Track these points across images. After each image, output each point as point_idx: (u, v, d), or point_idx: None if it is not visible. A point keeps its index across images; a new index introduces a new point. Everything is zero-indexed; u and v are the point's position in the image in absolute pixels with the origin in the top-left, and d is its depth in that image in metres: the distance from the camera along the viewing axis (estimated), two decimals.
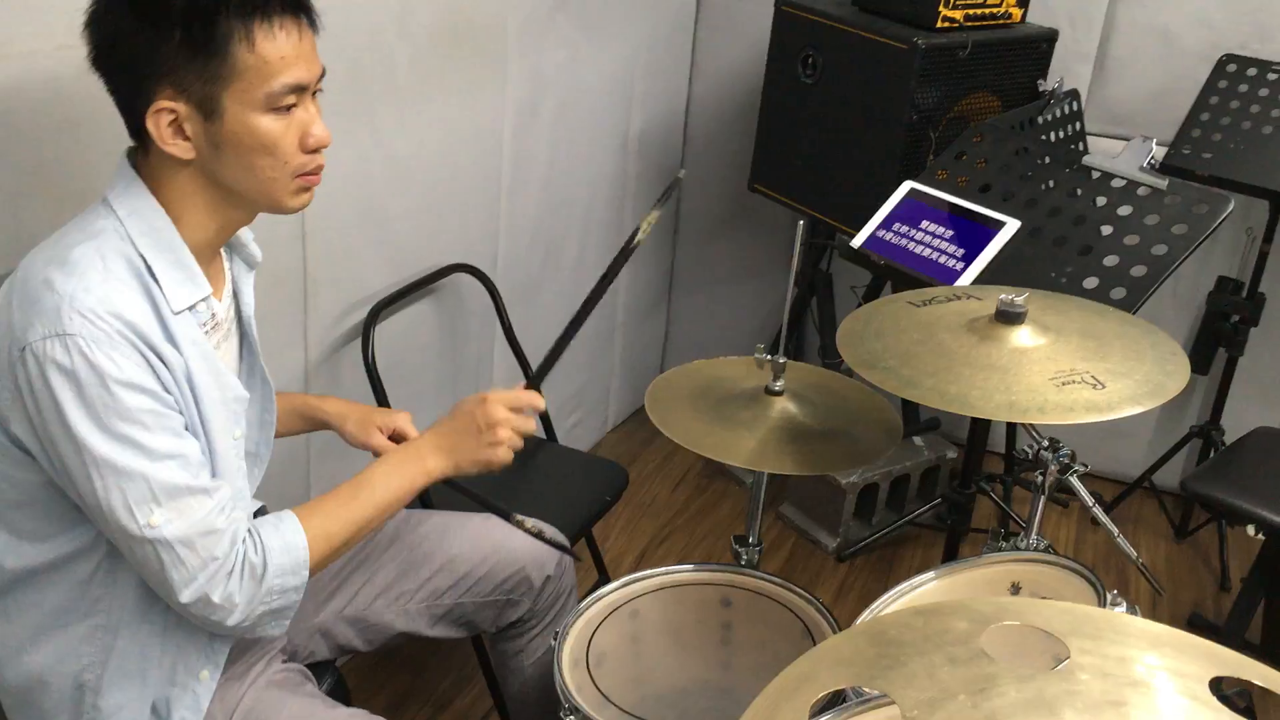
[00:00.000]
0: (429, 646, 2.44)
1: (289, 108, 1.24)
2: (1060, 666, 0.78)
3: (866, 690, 1.03)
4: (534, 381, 1.57)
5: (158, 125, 1.20)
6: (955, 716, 0.74)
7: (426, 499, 2.06)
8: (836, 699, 1.18)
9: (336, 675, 1.69)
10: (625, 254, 1.53)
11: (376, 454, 1.65)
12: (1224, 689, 0.78)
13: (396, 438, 1.69)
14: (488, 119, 2.43)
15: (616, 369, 3.38)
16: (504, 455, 1.50)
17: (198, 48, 1.17)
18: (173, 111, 1.19)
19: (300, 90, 1.24)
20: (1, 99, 1.39)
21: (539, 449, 2.42)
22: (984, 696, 0.76)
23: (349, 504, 1.40)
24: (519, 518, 1.74)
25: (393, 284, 2.24)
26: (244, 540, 1.27)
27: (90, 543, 1.27)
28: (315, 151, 1.28)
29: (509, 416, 1.50)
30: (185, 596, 1.23)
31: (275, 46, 1.20)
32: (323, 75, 1.28)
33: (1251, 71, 2.68)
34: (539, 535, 1.74)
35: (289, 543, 1.31)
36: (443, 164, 2.31)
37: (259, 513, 1.62)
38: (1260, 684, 0.78)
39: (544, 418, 2.46)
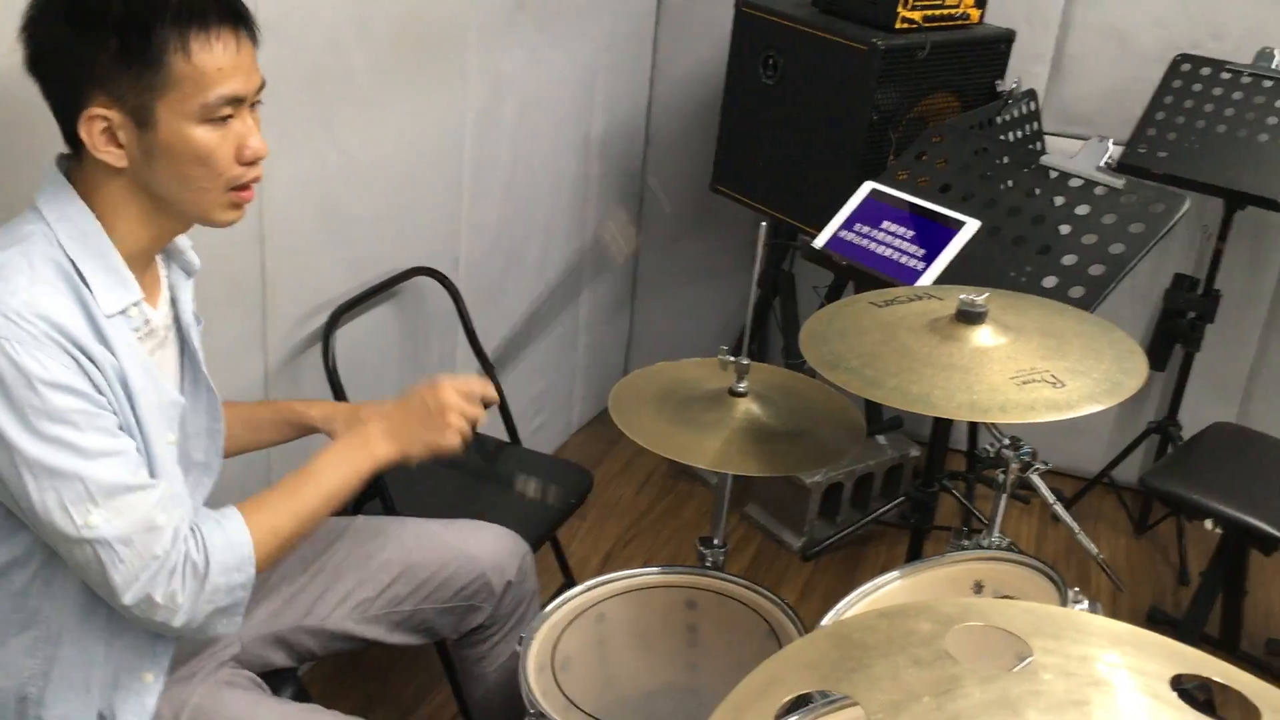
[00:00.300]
0: (393, 653, 2.42)
1: (225, 119, 1.23)
2: (1023, 666, 0.79)
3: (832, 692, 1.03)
4: (485, 366, 1.55)
5: (90, 132, 1.19)
6: (920, 718, 0.74)
7: (389, 504, 2.05)
8: (802, 701, 1.18)
9: (298, 684, 1.67)
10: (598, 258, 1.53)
11: None
12: (1184, 683, 0.78)
13: None
14: (448, 121, 2.41)
15: (580, 371, 3.37)
16: (452, 440, 1.50)
17: (133, 56, 1.15)
18: (106, 119, 1.18)
19: (237, 102, 1.23)
20: None
21: (502, 451, 2.41)
22: (948, 698, 0.76)
23: (294, 496, 1.39)
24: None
25: (353, 288, 2.22)
26: (185, 538, 1.26)
27: (25, 552, 1.25)
28: (252, 164, 1.27)
29: (458, 402, 1.50)
30: (128, 598, 1.21)
31: (212, 57, 1.18)
32: (261, 87, 1.27)
33: (1205, 71, 2.71)
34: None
35: (232, 540, 1.30)
36: (403, 167, 2.29)
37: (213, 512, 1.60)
38: (1220, 680, 0.79)
39: (507, 419, 2.45)
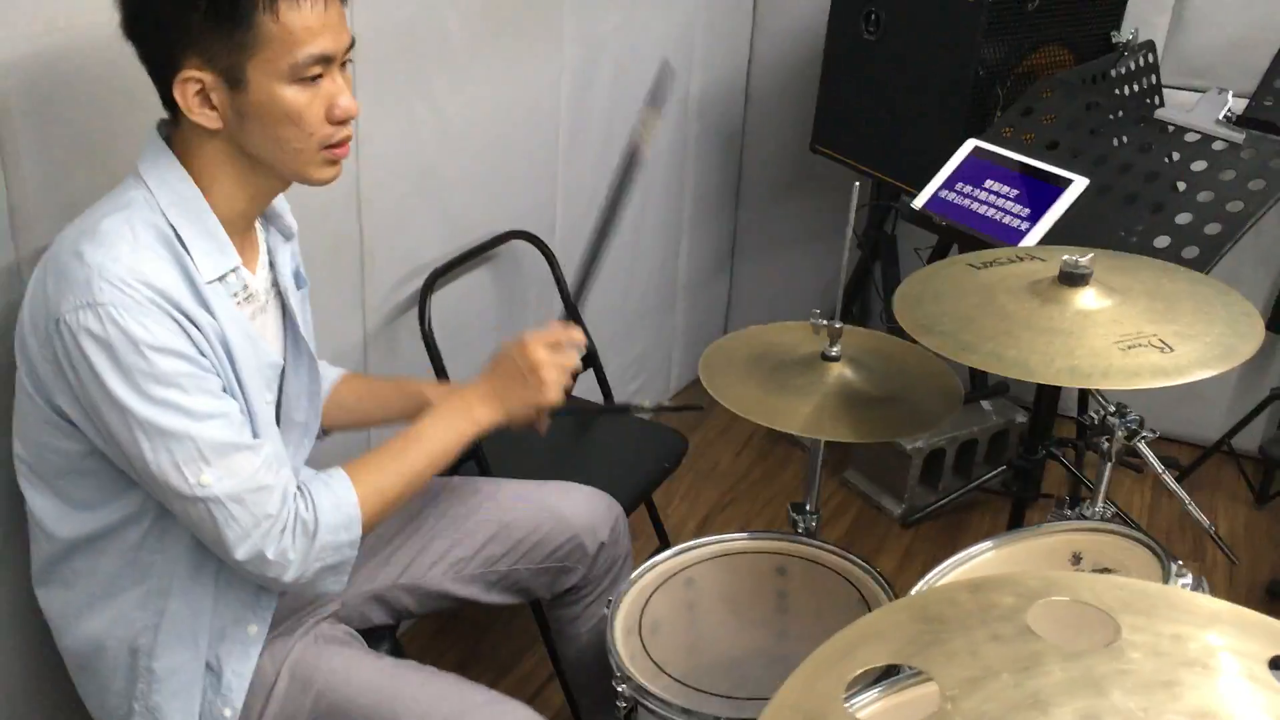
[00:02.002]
0: (490, 612, 2.45)
1: (315, 78, 1.23)
2: (1110, 644, 0.75)
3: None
4: (571, 314, 1.55)
5: (185, 94, 1.20)
6: (996, 696, 0.72)
7: (485, 466, 2.07)
8: (891, 671, 1.16)
9: (395, 641, 1.70)
10: (631, 165, 1.50)
11: None
12: None
13: None
14: (543, 84, 2.41)
15: (679, 334, 3.35)
16: (553, 396, 1.50)
17: (222, 17, 1.16)
18: (199, 81, 1.20)
19: (327, 61, 1.23)
20: (50, 71, 1.40)
21: (599, 415, 2.41)
22: (1028, 675, 0.73)
23: (399, 458, 1.41)
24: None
25: (449, 252, 2.23)
26: (294, 497, 1.29)
27: (138, 509, 1.29)
28: (343, 123, 1.27)
29: (549, 357, 1.50)
30: (240, 554, 1.24)
31: (300, 17, 1.19)
32: (351, 45, 1.27)
33: None
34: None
35: (340, 499, 1.32)
36: (498, 130, 2.30)
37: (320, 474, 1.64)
38: None
39: (603, 384, 2.45)
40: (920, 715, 0.71)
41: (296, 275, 1.49)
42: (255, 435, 1.30)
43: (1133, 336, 1.40)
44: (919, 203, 2.02)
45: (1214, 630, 0.78)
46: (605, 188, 2.71)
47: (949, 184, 2.01)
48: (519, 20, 2.27)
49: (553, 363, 1.51)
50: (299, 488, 1.31)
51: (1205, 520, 1.67)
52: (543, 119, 2.44)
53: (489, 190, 2.32)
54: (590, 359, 2.45)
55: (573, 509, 1.74)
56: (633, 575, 1.64)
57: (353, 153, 1.93)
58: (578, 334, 1.55)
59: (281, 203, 1.44)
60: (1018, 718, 0.70)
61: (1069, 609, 0.80)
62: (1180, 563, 1.35)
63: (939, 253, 2.83)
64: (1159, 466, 1.67)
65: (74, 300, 1.16)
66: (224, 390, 1.25)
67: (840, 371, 1.70)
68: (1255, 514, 2.96)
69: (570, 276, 2.45)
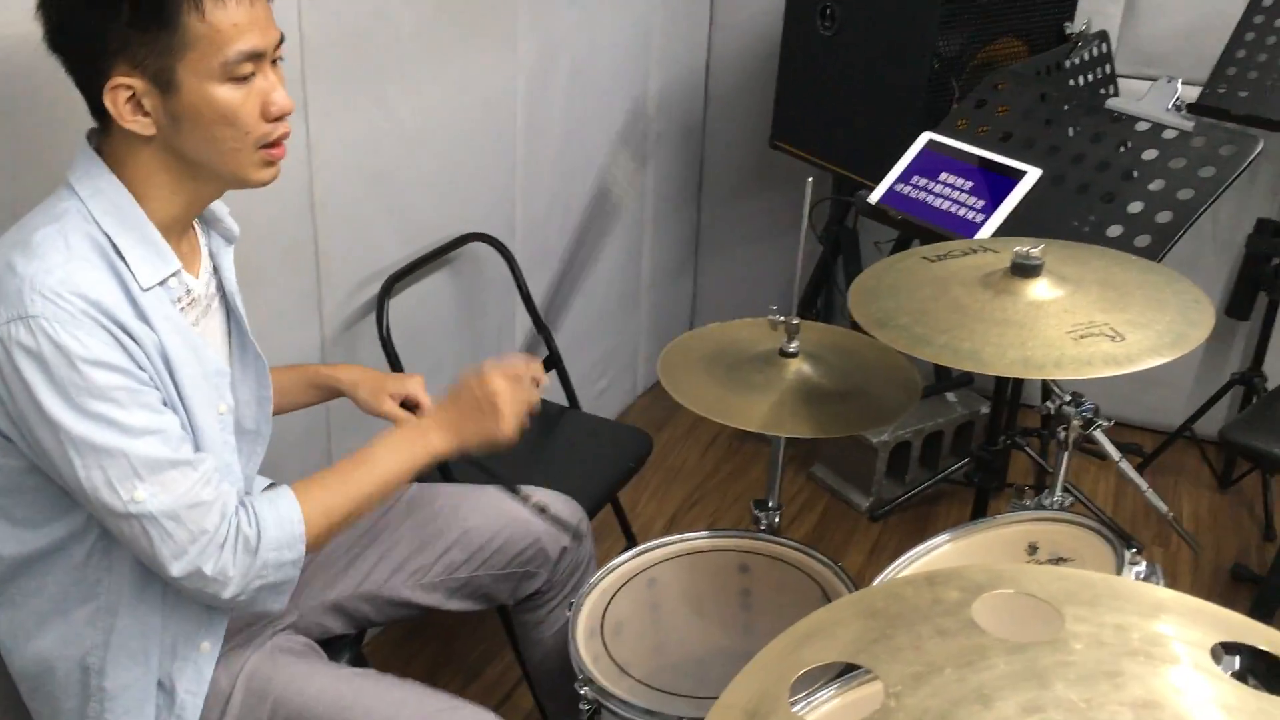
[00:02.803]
0: (458, 618, 2.44)
1: (247, 76, 1.21)
2: (1053, 636, 0.75)
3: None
4: (534, 318, 1.53)
5: (115, 102, 1.18)
6: (940, 691, 0.72)
7: (446, 470, 2.06)
8: (849, 669, 1.16)
9: (356, 651, 1.69)
10: (599, 210, 1.49)
11: (391, 421, 1.64)
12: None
13: (409, 404, 1.68)
14: (499, 83, 2.40)
15: (644, 333, 3.35)
16: (508, 430, 1.47)
17: (147, 21, 1.15)
18: (129, 88, 1.18)
19: (257, 58, 1.21)
20: None
21: (562, 416, 2.40)
22: (971, 669, 0.73)
23: (348, 480, 1.39)
24: (525, 492, 1.72)
25: (407, 256, 2.22)
26: (236, 512, 1.27)
27: (83, 526, 1.27)
28: (279, 120, 1.26)
29: (508, 388, 1.47)
30: (176, 570, 1.22)
31: (226, 14, 1.17)
32: (281, 41, 1.26)
33: None
34: (543, 511, 1.71)
35: (284, 516, 1.30)
36: (454, 131, 2.28)
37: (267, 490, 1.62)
38: (1265, 648, 0.75)
39: (565, 384, 2.44)
40: (868, 713, 0.71)
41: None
42: (197, 448, 1.28)
43: (1085, 326, 1.40)
44: (874, 197, 2.02)
45: (1159, 619, 0.78)
46: (565, 187, 2.72)
47: (904, 178, 2.01)
48: (473, 20, 2.25)
49: (511, 395, 1.47)
50: (242, 503, 1.29)
51: (1163, 507, 1.68)
52: (499, 119, 2.43)
53: (446, 192, 2.30)
54: (555, 360, 2.44)
55: (533, 514, 1.73)
56: (594, 578, 1.63)
57: (305, 156, 1.92)
58: (537, 368, 1.53)
59: (221, 207, 1.42)
60: (961, 712, 0.70)
61: (1014, 601, 0.80)
62: (1135, 550, 1.36)
63: (899, 247, 2.84)
64: (1116, 454, 1.68)
65: (6, 313, 1.14)
66: (163, 404, 1.24)
67: (799, 367, 1.70)
68: (1218, 498, 2.99)
69: (533, 283, 2.45)
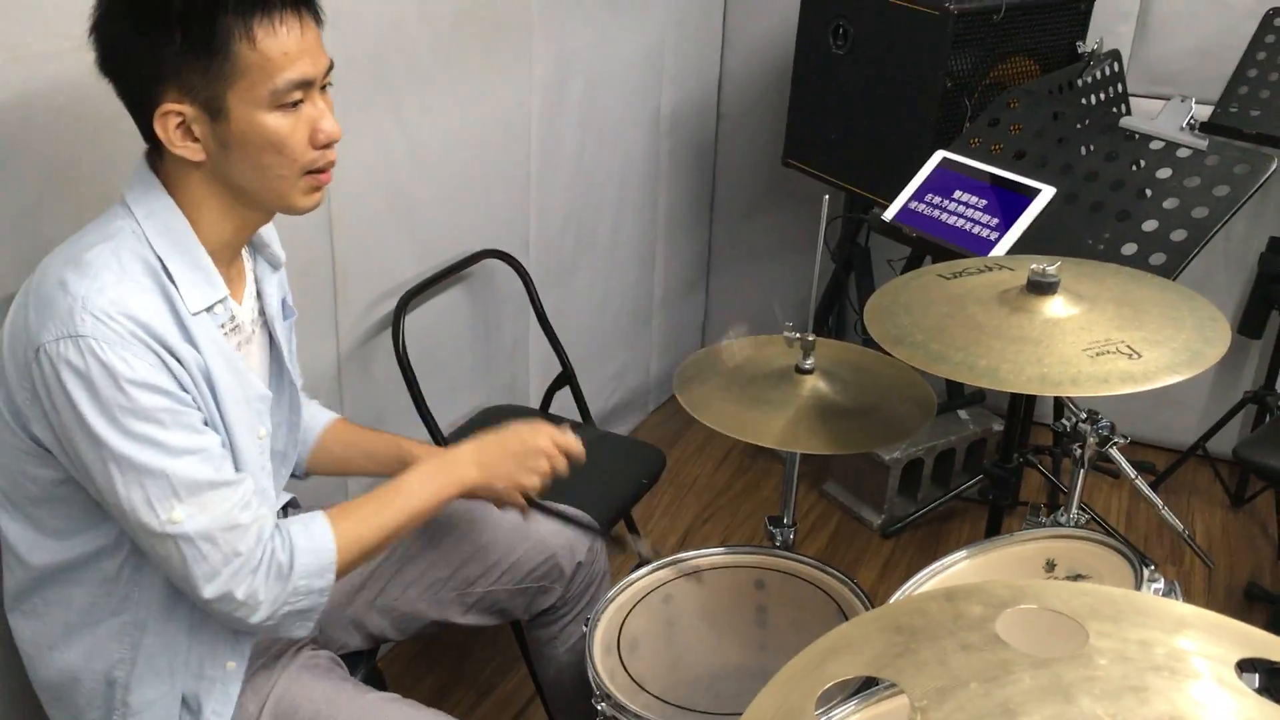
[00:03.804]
0: (471, 633, 2.44)
1: (296, 104, 1.22)
2: (1077, 652, 0.76)
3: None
4: (545, 330, 1.56)
5: (165, 128, 1.19)
6: (965, 705, 0.72)
7: None
8: (869, 684, 1.16)
9: (371, 665, 1.69)
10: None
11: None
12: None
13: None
14: (514, 102, 2.41)
15: (656, 349, 3.36)
16: (534, 483, 1.56)
17: (199, 49, 1.16)
18: (180, 114, 1.19)
19: (306, 86, 1.22)
20: (19, 102, 1.39)
21: (575, 432, 2.40)
22: (997, 684, 0.73)
23: (382, 510, 1.40)
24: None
25: (422, 272, 2.23)
26: (270, 537, 1.27)
27: (115, 540, 1.28)
28: (326, 147, 1.27)
29: (551, 449, 1.56)
30: (208, 592, 1.23)
31: (277, 43, 1.18)
32: (330, 69, 1.26)
33: None
34: (561, 515, 1.74)
35: (317, 544, 1.31)
36: (470, 149, 2.30)
37: (290, 504, 1.62)
38: None
39: (580, 401, 2.45)
40: None
41: (284, 305, 1.48)
42: (237, 469, 1.29)
43: (1101, 343, 1.41)
44: (889, 215, 2.03)
45: (1182, 635, 0.78)
46: (579, 204, 2.73)
47: (918, 195, 2.02)
48: (489, 38, 2.27)
49: (551, 456, 1.57)
50: (276, 527, 1.29)
51: (1179, 524, 1.68)
52: (514, 137, 2.45)
53: (461, 209, 2.32)
54: (567, 377, 2.45)
55: (549, 529, 1.74)
56: (610, 593, 1.64)
57: None
58: (581, 452, 1.62)
59: (270, 231, 1.43)
60: None
61: (1037, 617, 0.80)
62: (1153, 567, 1.36)
63: (912, 264, 2.85)
64: (1131, 472, 1.68)
65: (55, 330, 1.15)
66: (205, 424, 1.24)
67: (814, 384, 1.70)
68: (1231, 516, 2.98)
69: (547, 300, 2.45)
